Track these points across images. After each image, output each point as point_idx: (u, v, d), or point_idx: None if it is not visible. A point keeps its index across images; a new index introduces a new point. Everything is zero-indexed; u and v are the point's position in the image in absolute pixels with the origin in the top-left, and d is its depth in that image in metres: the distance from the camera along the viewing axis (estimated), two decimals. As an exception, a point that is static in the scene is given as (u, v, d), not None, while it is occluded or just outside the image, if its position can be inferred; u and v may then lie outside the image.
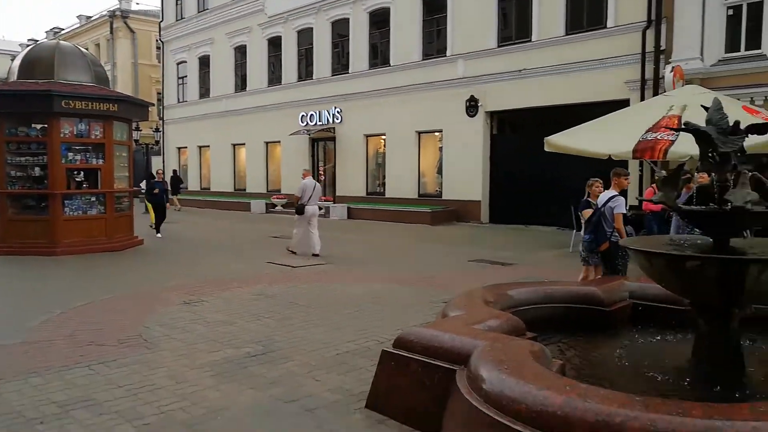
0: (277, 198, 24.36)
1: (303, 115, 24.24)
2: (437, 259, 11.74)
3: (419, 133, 20.76)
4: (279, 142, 25.78)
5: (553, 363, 3.62)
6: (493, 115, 18.96)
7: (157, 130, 31.07)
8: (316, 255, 11.70)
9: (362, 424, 3.83)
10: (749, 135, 4.15)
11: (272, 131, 25.75)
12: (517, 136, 19.32)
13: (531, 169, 17.43)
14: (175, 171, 29.31)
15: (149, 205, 16.57)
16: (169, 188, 21.11)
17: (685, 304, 4.61)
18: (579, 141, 11.80)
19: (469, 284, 7.24)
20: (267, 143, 26.76)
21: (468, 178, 19.02)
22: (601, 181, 7.98)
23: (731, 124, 4.12)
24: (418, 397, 3.79)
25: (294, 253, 12.08)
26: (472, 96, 18.78)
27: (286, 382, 4.62)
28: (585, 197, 7.89)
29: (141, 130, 24.83)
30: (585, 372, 4.18)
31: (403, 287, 8.57)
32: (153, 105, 19.53)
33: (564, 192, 16.66)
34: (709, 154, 4.13)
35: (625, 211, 7.48)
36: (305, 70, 24.84)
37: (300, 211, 11.98)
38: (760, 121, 7.06)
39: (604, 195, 7.31)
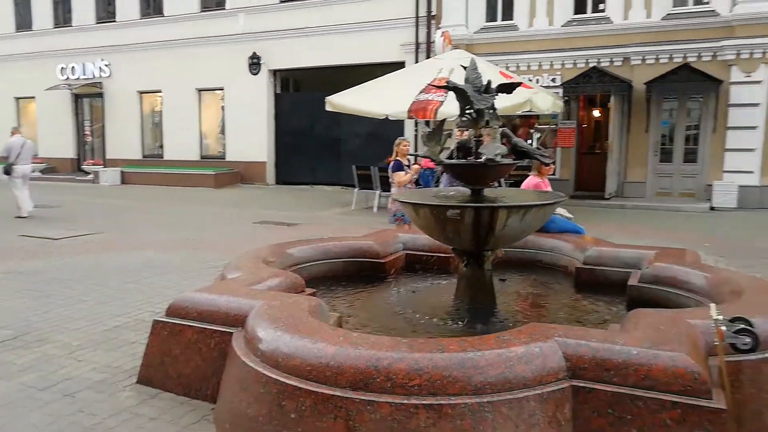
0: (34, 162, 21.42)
1: (63, 68, 21.49)
2: (221, 223, 11.35)
3: (200, 90, 19.69)
4: (33, 98, 22.55)
5: (330, 316, 3.70)
6: (276, 73, 18.68)
7: None
8: (23, 217, 11.27)
9: (131, 402, 3.55)
10: (499, 93, 4.57)
11: (24, 86, 22.40)
12: (301, 95, 19.32)
13: (315, 129, 17.63)
14: None
15: None
16: None
17: (450, 250, 5.05)
18: (358, 101, 12.14)
19: (252, 246, 7.10)
20: (18, 99, 23.25)
21: (253, 138, 18.62)
22: (409, 140, 8.25)
23: (485, 83, 4.51)
24: (195, 366, 3.62)
25: (24, 217, 11.41)
26: (254, 53, 18.26)
27: (42, 367, 4.09)
28: (393, 156, 8.00)
29: None
30: (362, 322, 4.36)
31: (181, 253, 8.13)
32: None
33: (347, 151, 17.22)
34: (467, 110, 4.49)
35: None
36: (63, 16, 21.87)
37: (7, 171, 11.29)
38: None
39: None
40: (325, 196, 15.76)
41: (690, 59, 13.36)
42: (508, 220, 4.01)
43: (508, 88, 4.53)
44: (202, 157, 19.92)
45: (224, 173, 18.56)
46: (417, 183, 10.52)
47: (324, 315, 3.65)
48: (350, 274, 5.39)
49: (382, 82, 12.74)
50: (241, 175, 18.83)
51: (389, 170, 8.32)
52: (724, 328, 2.84)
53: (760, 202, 13.09)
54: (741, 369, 3.08)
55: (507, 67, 14.42)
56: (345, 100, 12.30)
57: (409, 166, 8.27)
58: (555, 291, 5.19)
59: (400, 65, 15.44)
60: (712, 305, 3.08)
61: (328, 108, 12.50)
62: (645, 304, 4.10)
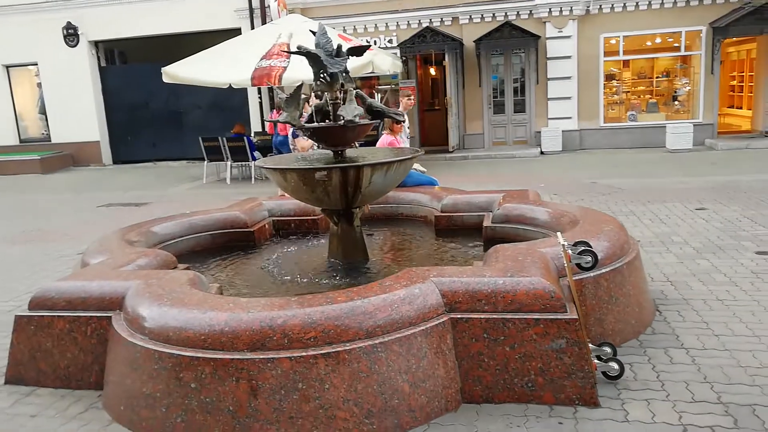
0: None
1: None
2: (60, 210, 10.44)
3: (7, 67, 17.58)
4: None
5: (211, 287, 3.69)
6: (98, 44, 17.20)
7: None
8: None
9: (3, 403, 3.31)
10: (350, 57, 4.71)
11: None
12: (132, 68, 17.99)
13: (152, 102, 16.63)
14: None
15: None
16: None
17: (318, 212, 5.18)
18: (197, 71, 11.64)
19: (104, 231, 6.69)
20: None
21: (80, 117, 17.08)
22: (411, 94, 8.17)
23: (335, 47, 4.61)
24: (73, 356, 3.45)
25: None
26: (69, 23, 16.63)
27: None
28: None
29: None
30: (242, 290, 4.38)
31: (25, 247, 7.43)
32: None
33: (189, 124, 16.48)
34: (321, 75, 4.58)
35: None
36: None
37: None
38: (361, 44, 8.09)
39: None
40: (171, 172, 15.03)
41: (510, 17, 14.43)
42: (373, 176, 4.22)
43: (358, 51, 4.70)
44: (22, 141, 17.95)
45: (51, 157, 16.90)
46: (276, 149, 10.46)
47: (205, 286, 3.64)
48: (220, 247, 5.35)
49: (221, 50, 12.30)
50: (72, 157, 17.27)
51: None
52: (570, 251, 3.30)
53: (580, 144, 14.71)
54: (585, 285, 3.59)
55: (344, 30, 14.59)
56: (184, 71, 11.73)
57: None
58: (419, 239, 5.55)
59: (236, 32, 14.95)
60: (558, 233, 3.55)
61: (166, 80, 11.84)
62: (500, 241, 4.55)
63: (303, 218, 5.84)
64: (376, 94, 15.99)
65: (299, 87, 4.83)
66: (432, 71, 17.52)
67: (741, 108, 18.16)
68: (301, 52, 4.67)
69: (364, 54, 6.39)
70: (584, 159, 13.25)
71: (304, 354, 2.79)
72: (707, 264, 5.19)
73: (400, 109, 7.85)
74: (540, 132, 14.62)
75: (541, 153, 14.27)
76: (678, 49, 14.54)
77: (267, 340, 2.81)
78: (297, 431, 2.76)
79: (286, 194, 5.20)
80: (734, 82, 19.14)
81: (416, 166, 6.91)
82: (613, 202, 8.07)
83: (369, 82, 15.96)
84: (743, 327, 3.84)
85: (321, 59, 4.47)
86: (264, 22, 14.81)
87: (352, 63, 8.96)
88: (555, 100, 14.60)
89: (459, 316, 3.12)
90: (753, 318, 3.97)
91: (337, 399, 2.78)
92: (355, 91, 4.68)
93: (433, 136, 16.18)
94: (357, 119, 4.41)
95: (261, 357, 2.78)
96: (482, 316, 3.10)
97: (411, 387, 2.91)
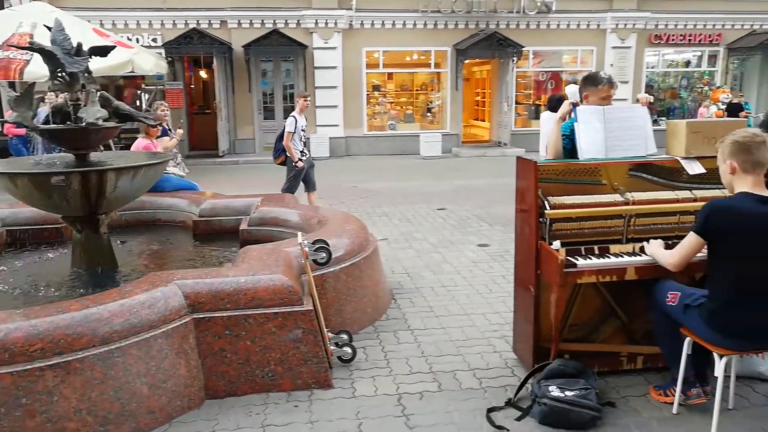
0: None
1: None
2: None
3: None
4: None
5: None
6: None
7: None
8: None
9: None
10: (93, 56, 4.52)
11: None
12: None
13: None
14: None
15: None
16: None
17: (60, 220, 4.85)
18: None
19: None
20: None
21: None
22: (167, 105, 7.61)
23: (75, 45, 4.39)
24: None
25: None
26: None
27: None
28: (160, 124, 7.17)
29: None
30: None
31: None
32: None
33: None
34: (59, 74, 4.32)
35: (292, 130, 7.48)
36: None
37: None
38: (107, 43, 7.65)
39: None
40: None
41: (279, 25, 14.77)
42: (119, 181, 4.11)
43: (102, 50, 4.52)
44: None
45: None
46: (7, 153, 9.38)
47: None
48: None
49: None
50: None
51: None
52: (307, 249, 3.61)
53: (346, 150, 15.59)
54: (326, 279, 3.94)
55: (102, 24, 13.58)
56: None
57: (172, 130, 7.63)
58: (176, 244, 5.49)
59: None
60: (299, 233, 3.85)
61: None
62: (256, 243, 4.73)
63: (44, 227, 5.40)
64: (143, 95, 15.21)
65: (31, 85, 4.48)
66: (203, 74, 17.13)
67: (484, 120, 20.83)
68: (35, 48, 4.37)
69: (118, 52, 6.14)
70: (349, 164, 14.10)
71: (28, 367, 2.66)
72: (439, 257, 5.97)
73: (296, 111, 7.76)
74: (309, 138, 15.17)
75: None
76: (429, 66, 16.22)
77: (-16, 357, 2.63)
78: (22, 449, 2.63)
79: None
80: (478, 98, 21.88)
81: (176, 170, 6.80)
82: (370, 205, 8.78)
83: (134, 81, 15.07)
84: (459, 308, 4.53)
85: (57, 57, 4.23)
86: (2, 8, 13.13)
87: (107, 62, 8.55)
88: (323, 108, 15.29)
89: (202, 316, 3.23)
90: (467, 300, 4.70)
91: (68, 410, 2.70)
92: (99, 92, 4.50)
93: (203, 140, 15.84)
94: (100, 122, 4.26)
95: (-23, 375, 2.59)
96: (224, 314, 3.25)
97: (150, 389, 2.95)
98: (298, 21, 14.87)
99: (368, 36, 15.41)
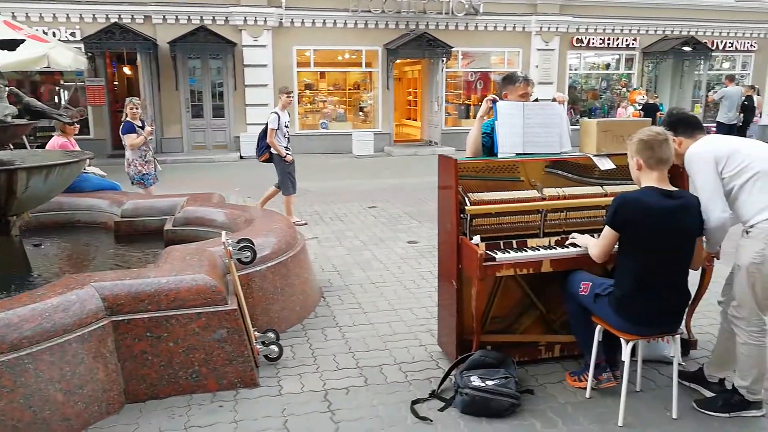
0: None
1: None
2: None
3: None
4: None
5: None
6: None
7: None
8: None
9: None
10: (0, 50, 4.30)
11: None
12: None
13: None
14: None
15: None
16: None
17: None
18: None
19: None
20: None
21: None
22: (138, 102, 7.43)
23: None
24: None
25: None
26: None
27: None
28: (124, 119, 7.26)
29: None
30: None
31: None
32: None
33: None
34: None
35: (275, 127, 7.54)
36: None
37: None
38: (18, 36, 7.27)
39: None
40: None
41: (206, 22, 14.43)
42: (30, 181, 3.93)
43: (10, 44, 4.31)
44: None
45: None
46: None
47: None
48: None
49: None
50: None
51: (120, 133, 7.34)
52: (231, 248, 3.57)
53: (278, 150, 15.39)
54: (252, 278, 3.91)
55: (14, 16, 12.89)
56: None
57: (142, 128, 7.35)
58: (97, 246, 5.29)
59: None
60: (223, 233, 3.80)
61: None
62: (180, 243, 4.62)
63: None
64: (62, 91, 14.55)
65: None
66: (127, 70, 16.51)
67: (415, 120, 21.06)
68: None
69: (32, 46, 5.86)
70: (281, 163, 13.93)
71: (-72, 378, 2.52)
72: (369, 254, 6.02)
73: (279, 107, 7.68)
74: (239, 137, 14.92)
75: (241, 158, 14.59)
76: (361, 65, 16.27)
77: None
78: None
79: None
80: (410, 97, 22.11)
81: (95, 170, 6.55)
82: (301, 203, 8.74)
83: (52, 77, 14.39)
84: (386, 303, 4.59)
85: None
86: None
87: (18, 56, 8.12)
88: (253, 106, 15.05)
89: (121, 318, 3.14)
90: (395, 296, 4.77)
91: (-26, 420, 2.58)
92: (8, 88, 4.29)
93: (127, 139, 15.27)
94: (9, 119, 4.06)
95: None
96: (145, 316, 3.17)
97: (65, 395, 2.84)
98: (227, 18, 14.58)
99: (299, 34, 15.30)
